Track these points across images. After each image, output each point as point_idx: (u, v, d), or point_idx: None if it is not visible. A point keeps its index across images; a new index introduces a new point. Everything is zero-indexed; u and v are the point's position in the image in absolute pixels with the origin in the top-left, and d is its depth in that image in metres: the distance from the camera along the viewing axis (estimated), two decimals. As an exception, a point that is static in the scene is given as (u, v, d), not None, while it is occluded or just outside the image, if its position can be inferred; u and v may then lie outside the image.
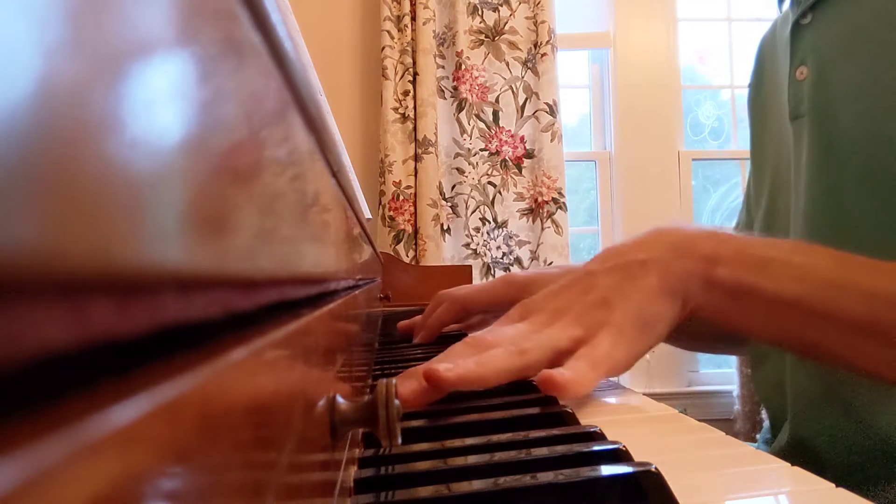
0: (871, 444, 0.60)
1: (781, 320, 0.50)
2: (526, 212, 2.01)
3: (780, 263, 0.51)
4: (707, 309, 0.51)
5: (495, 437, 0.35)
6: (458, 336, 0.81)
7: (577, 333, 0.49)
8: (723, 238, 0.53)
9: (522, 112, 2.03)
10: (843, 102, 0.64)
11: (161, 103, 0.09)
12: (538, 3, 2.01)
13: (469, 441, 0.35)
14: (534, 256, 2.00)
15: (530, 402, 0.44)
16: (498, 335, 0.51)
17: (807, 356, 0.57)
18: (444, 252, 1.94)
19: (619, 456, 0.31)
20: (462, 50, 1.99)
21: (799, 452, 0.65)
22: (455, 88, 2.01)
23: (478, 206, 2.01)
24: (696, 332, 0.58)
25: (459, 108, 2.00)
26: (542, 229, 1.99)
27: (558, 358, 0.48)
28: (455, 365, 0.45)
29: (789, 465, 0.33)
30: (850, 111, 0.63)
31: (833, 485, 0.30)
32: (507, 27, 2.04)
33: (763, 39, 0.83)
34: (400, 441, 0.25)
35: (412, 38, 1.96)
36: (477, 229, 2.01)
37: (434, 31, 1.97)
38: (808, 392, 0.66)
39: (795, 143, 0.69)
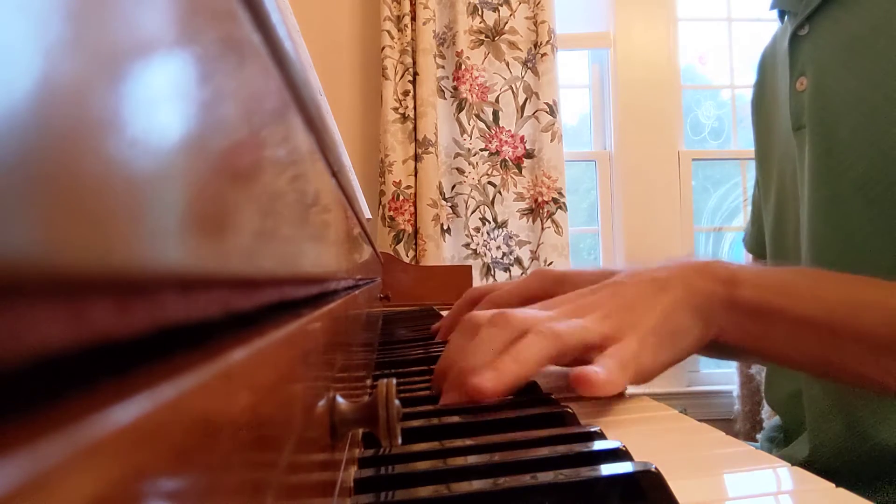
0: (875, 454, 0.61)
1: (806, 341, 0.50)
2: (526, 212, 2.01)
3: (799, 285, 0.51)
4: (731, 332, 0.51)
5: (495, 437, 0.35)
6: None
7: (607, 331, 0.48)
8: (737, 264, 0.53)
9: (522, 112, 2.03)
10: (843, 112, 0.64)
11: (161, 103, 0.09)
12: (538, 3, 2.01)
13: (469, 441, 0.35)
14: (534, 256, 2.00)
15: (530, 402, 0.44)
16: (527, 315, 0.49)
17: (829, 378, 0.57)
18: (444, 252, 1.94)
19: (620, 456, 0.31)
20: (462, 50, 1.99)
21: (816, 463, 0.65)
22: (455, 88, 2.01)
23: (478, 206, 2.01)
24: (734, 357, 0.57)
25: (459, 108, 2.00)
26: (542, 229, 1.98)
27: (587, 351, 0.47)
28: (496, 371, 0.44)
29: (789, 464, 0.33)
30: (850, 121, 0.63)
31: (833, 485, 0.30)
32: (507, 27, 2.04)
33: (764, 52, 0.83)
34: (400, 441, 0.25)
35: (412, 38, 1.96)
36: (477, 229, 2.01)
37: (434, 31, 1.97)
38: (819, 404, 0.66)
39: (798, 154, 0.69)
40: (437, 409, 0.44)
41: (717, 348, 0.53)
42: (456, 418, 0.41)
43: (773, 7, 0.76)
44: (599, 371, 0.43)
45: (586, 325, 0.48)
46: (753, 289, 0.51)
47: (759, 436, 0.89)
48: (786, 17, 0.75)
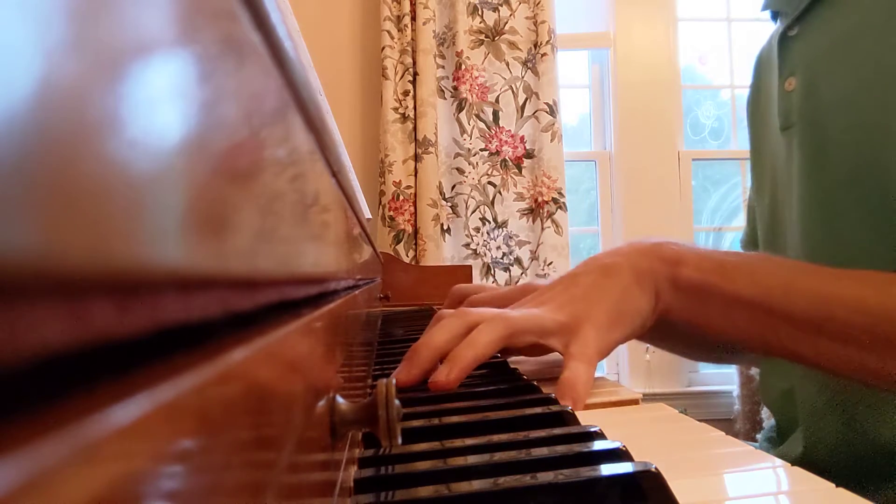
0: (872, 451, 0.61)
1: (742, 320, 0.54)
2: (526, 212, 2.01)
3: (738, 267, 0.56)
4: (676, 310, 0.56)
5: (495, 437, 0.35)
6: None
7: (561, 318, 0.53)
8: (686, 246, 0.58)
9: (522, 112, 2.03)
10: (831, 112, 0.65)
11: (161, 103, 0.09)
12: (538, 3, 2.01)
13: (469, 441, 0.35)
14: (534, 256, 2.00)
15: (530, 403, 0.44)
16: (483, 309, 0.55)
17: (769, 355, 0.61)
18: (444, 252, 1.94)
19: (620, 456, 0.31)
20: (462, 50, 1.99)
21: (810, 461, 0.65)
22: (455, 88, 2.01)
23: (478, 206, 2.01)
24: (685, 337, 0.64)
25: (459, 108, 2.00)
26: (542, 229, 1.98)
27: (544, 335, 0.53)
28: (451, 363, 0.49)
29: (789, 464, 0.33)
30: (838, 121, 0.64)
31: (833, 485, 0.30)
32: (507, 27, 2.04)
33: (760, 52, 0.84)
34: (400, 441, 0.25)
35: (412, 38, 1.95)
36: (477, 229, 2.01)
37: (434, 31, 1.97)
38: (814, 401, 0.67)
39: (787, 154, 0.70)
40: (438, 409, 0.44)
41: (667, 330, 0.58)
42: (456, 418, 0.41)
43: (764, 8, 0.77)
44: (578, 388, 0.49)
45: (541, 313, 0.54)
46: (694, 268, 0.55)
47: (760, 434, 0.90)
48: (778, 18, 0.75)
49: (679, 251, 0.56)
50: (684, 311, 0.56)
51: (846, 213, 0.63)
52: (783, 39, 0.71)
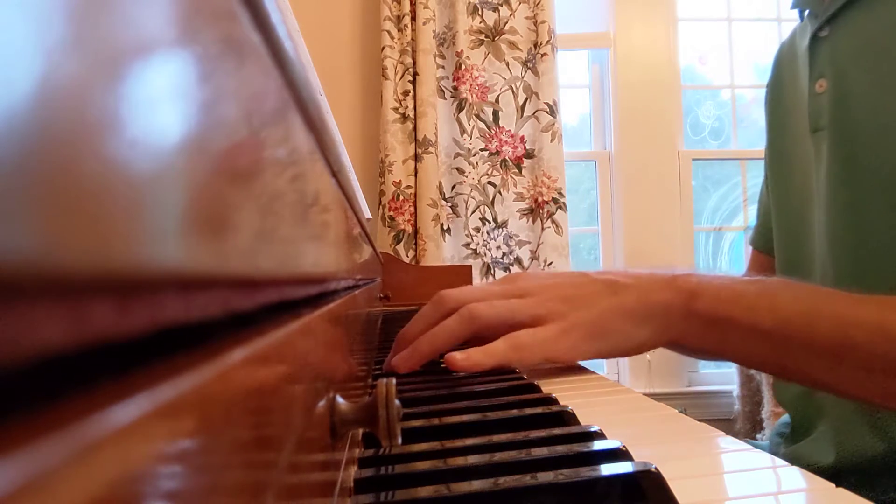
0: (891, 456, 0.61)
1: (760, 349, 0.54)
2: (526, 212, 2.01)
3: (757, 296, 0.55)
4: (687, 337, 0.56)
5: (495, 437, 0.35)
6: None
7: (539, 312, 0.55)
8: (706, 276, 0.58)
9: (522, 112, 2.03)
10: (863, 116, 0.64)
11: (161, 103, 0.09)
12: (538, 3, 2.01)
13: (469, 441, 0.35)
14: (534, 256, 2.00)
15: (530, 402, 0.44)
16: (460, 296, 0.57)
17: (789, 380, 0.60)
18: (444, 252, 1.94)
19: (620, 456, 0.31)
20: (462, 50, 1.99)
21: (843, 469, 0.65)
22: (455, 88, 2.01)
23: (478, 206, 2.01)
24: (699, 356, 0.64)
25: (459, 108, 2.00)
26: (542, 229, 1.98)
27: (514, 328, 0.54)
28: (411, 351, 0.55)
29: (789, 464, 0.33)
30: (870, 125, 0.63)
31: (833, 485, 0.30)
32: (507, 27, 2.04)
33: (781, 48, 0.83)
34: (400, 441, 0.25)
35: (412, 38, 1.95)
36: (477, 229, 2.01)
37: (434, 31, 1.97)
38: (841, 408, 0.67)
39: (815, 156, 0.70)
40: (438, 409, 0.44)
41: (682, 349, 0.58)
42: (456, 418, 0.41)
43: (794, 6, 0.76)
44: (472, 354, 0.53)
45: (515, 306, 0.55)
46: (711, 299, 0.55)
47: (765, 433, 0.90)
48: (806, 16, 0.75)
49: (697, 282, 0.56)
50: (699, 341, 0.55)
51: (875, 219, 0.63)
52: (813, 40, 0.70)
